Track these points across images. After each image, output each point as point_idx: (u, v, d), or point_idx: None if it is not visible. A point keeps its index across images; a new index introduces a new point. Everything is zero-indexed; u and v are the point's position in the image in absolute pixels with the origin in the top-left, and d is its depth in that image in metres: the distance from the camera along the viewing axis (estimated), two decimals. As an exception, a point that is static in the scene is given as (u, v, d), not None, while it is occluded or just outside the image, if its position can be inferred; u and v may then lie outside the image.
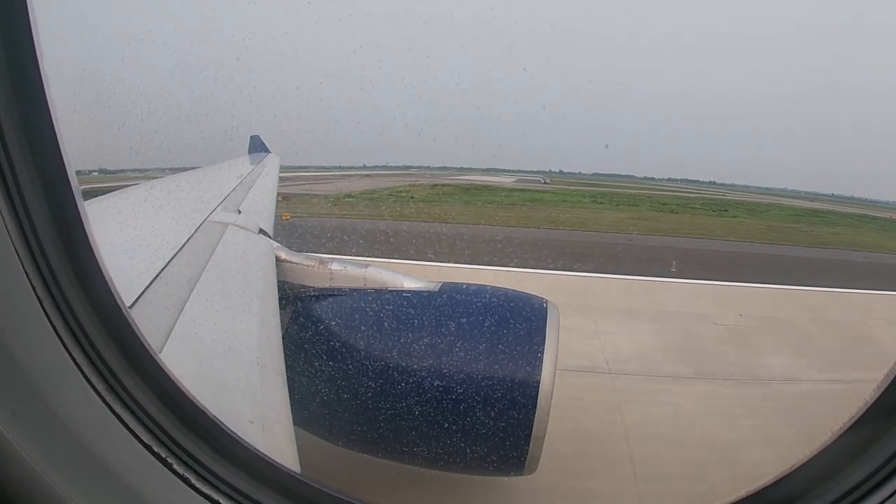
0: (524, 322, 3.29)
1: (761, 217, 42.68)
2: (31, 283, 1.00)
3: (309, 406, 3.22)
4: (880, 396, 1.13)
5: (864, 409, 1.13)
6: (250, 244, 3.99)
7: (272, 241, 4.25)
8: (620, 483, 4.98)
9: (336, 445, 3.44)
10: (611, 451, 5.36)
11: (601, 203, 43.03)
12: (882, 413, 1.12)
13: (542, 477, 3.51)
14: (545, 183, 51.43)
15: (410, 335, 3.27)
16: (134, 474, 1.11)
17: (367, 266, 3.73)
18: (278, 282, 3.44)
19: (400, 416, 3.15)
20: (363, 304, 3.54)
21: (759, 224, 37.31)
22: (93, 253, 1.15)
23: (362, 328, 3.41)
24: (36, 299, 1.01)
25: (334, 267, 3.72)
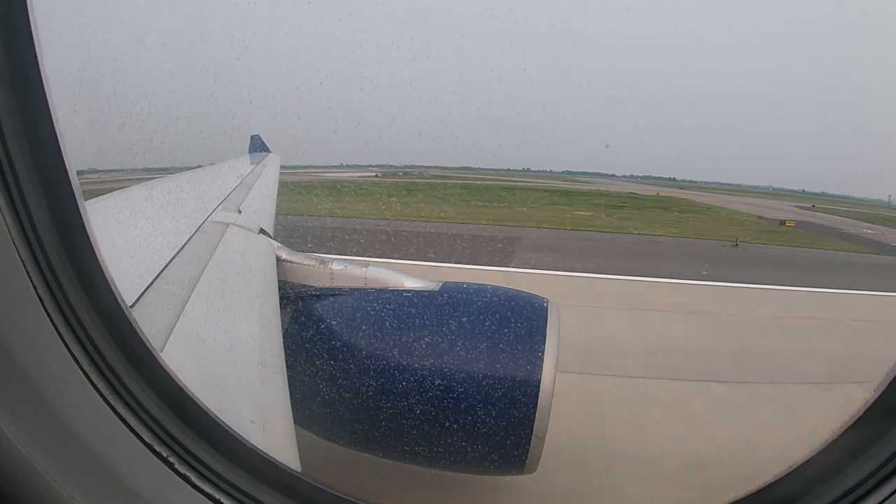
0: (525, 321, 3.28)
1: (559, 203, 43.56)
2: (32, 282, 1.00)
3: (310, 405, 3.22)
4: (880, 396, 1.13)
5: (864, 409, 1.13)
6: (251, 244, 3.99)
7: (273, 240, 4.26)
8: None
9: (337, 445, 3.44)
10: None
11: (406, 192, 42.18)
12: (882, 413, 1.12)
13: (542, 477, 3.51)
14: (377, 177, 54.51)
15: (411, 334, 3.27)
16: (135, 473, 1.11)
17: (367, 266, 3.73)
18: (279, 281, 3.44)
19: (400, 415, 3.15)
20: (364, 304, 3.54)
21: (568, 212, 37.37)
22: (94, 252, 1.15)
23: (363, 328, 3.41)
24: (37, 299, 1.01)
25: (335, 267, 3.73)
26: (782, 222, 35.68)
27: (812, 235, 31.52)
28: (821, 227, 37.07)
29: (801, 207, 60.15)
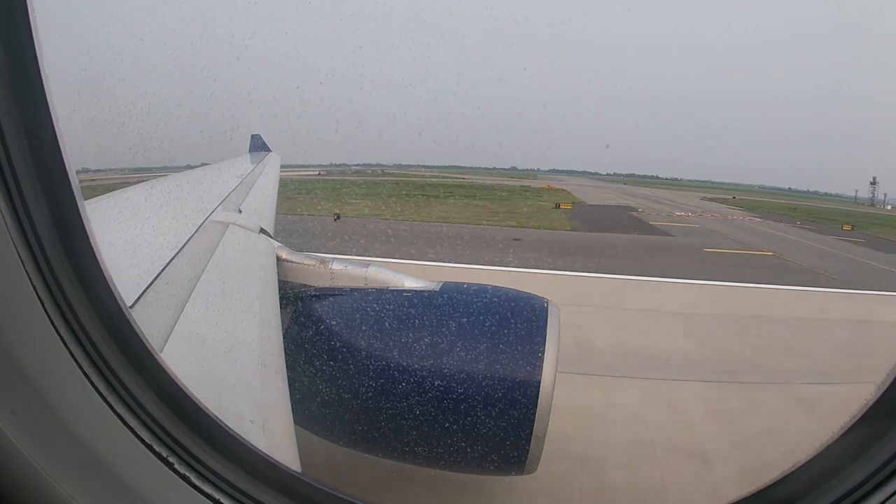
0: (525, 321, 3.28)
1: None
2: (31, 282, 1.00)
3: (310, 405, 3.22)
4: (881, 396, 1.13)
5: (866, 409, 1.13)
6: (251, 244, 3.99)
7: (273, 240, 4.26)
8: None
9: (337, 444, 3.44)
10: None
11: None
12: (883, 413, 1.12)
13: (542, 477, 3.51)
14: (319, 174, 54.06)
15: (411, 334, 3.27)
16: (135, 473, 1.11)
17: (367, 266, 3.73)
18: (279, 281, 3.44)
19: (400, 415, 3.15)
20: (364, 304, 3.54)
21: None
22: (94, 253, 1.15)
23: (363, 328, 3.41)
24: (37, 299, 1.01)
25: (335, 266, 3.73)
26: (557, 205, 36.87)
27: (559, 217, 31.00)
28: (614, 209, 38.04)
29: (703, 198, 63.43)
